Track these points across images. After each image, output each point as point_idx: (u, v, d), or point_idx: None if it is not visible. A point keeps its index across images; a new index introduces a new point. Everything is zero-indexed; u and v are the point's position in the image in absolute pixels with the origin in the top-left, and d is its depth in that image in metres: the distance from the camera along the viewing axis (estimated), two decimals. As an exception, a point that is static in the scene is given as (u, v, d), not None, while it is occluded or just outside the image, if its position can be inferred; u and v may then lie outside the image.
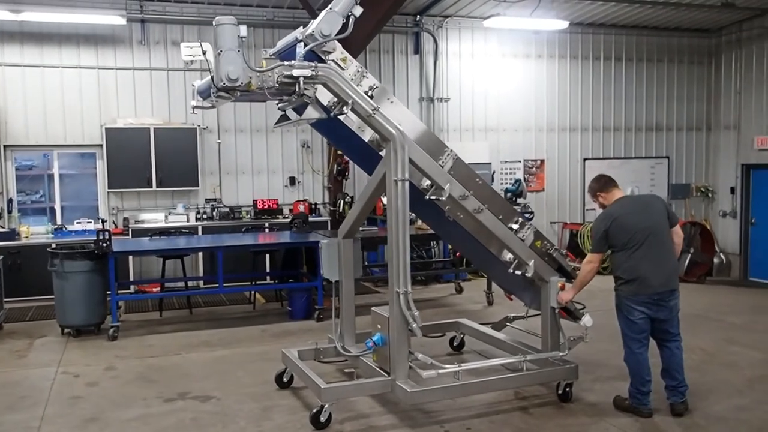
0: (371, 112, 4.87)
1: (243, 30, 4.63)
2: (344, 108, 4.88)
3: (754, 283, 12.77)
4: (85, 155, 10.83)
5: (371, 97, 5.07)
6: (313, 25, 4.89)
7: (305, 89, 4.78)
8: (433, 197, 5.24)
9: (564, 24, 11.52)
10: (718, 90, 13.93)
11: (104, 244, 7.58)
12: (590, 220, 13.09)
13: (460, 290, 10.36)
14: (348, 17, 4.90)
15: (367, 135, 5.31)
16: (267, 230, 10.62)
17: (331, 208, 11.44)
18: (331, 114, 5.00)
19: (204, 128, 10.99)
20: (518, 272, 5.65)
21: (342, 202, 11.03)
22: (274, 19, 11.13)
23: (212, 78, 4.70)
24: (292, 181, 11.60)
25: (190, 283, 10.14)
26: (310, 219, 10.76)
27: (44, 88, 10.32)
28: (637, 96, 13.56)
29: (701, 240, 12.56)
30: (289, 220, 10.35)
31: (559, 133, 13.07)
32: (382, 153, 5.25)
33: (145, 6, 10.51)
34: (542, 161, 13.01)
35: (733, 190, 13.59)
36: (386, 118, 4.93)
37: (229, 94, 4.77)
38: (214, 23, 4.63)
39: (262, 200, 11.21)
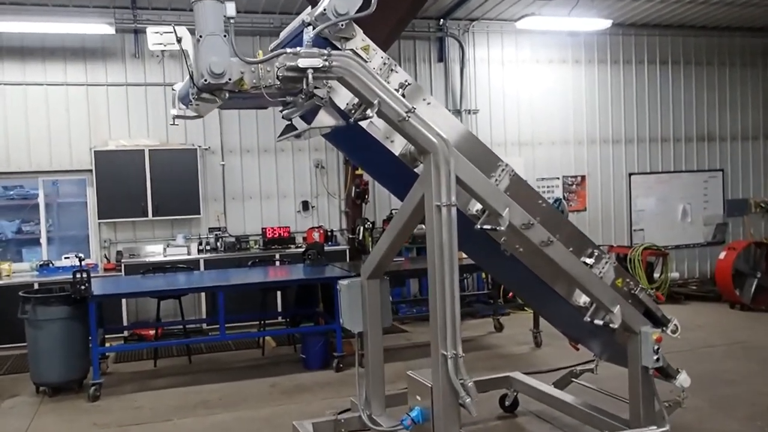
0: (405, 115, 3.62)
1: (231, 8, 3.42)
2: (368, 111, 3.63)
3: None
4: (78, 180, 9.68)
5: (403, 96, 3.84)
6: (325, 2, 3.68)
7: (315, 87, 3.56)
8: (486, 227, 3.97)
9: (607, 23, 10.26)
10: (775, 94, 12.60)
11: (82, 287, 6.38)
12: (638, 241, 11.74)
13: (500, 327, 9.02)
14: (372, -9, 3.68)
15: (398, 147, 4.08)
16: (277, 263, 9.38)
17: (350, 236, 10.20)
18: (351, 120, 3.77)
19: (206, 149, 9.83)
20: (598, 321, 4.34)
21: (362, 228, 9.78)
22: (282, 26, 9.95)
23: (191, 75, 3.50)
24: (306, 205, 10.39)
25: (192, 326, 8.92)
26: (327, 248, 9.55)
27: (27, 108, 9.22)
28: (686, 103, 12.24)
29: (766, 262, 11.14)
30: (302, 250, 9.10)
31: (601, 145, 11.76)
32: (418, 170, 4.01)
33: (139, 15, 9.41)
34: (583, 177, 11.69)
35: (797, 205, 12.19)
36: (425, 122, 3.68)
37: (213, 96, 3.55)
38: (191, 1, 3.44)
39: (271, 228, 10.00)
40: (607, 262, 4.50)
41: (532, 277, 4.44)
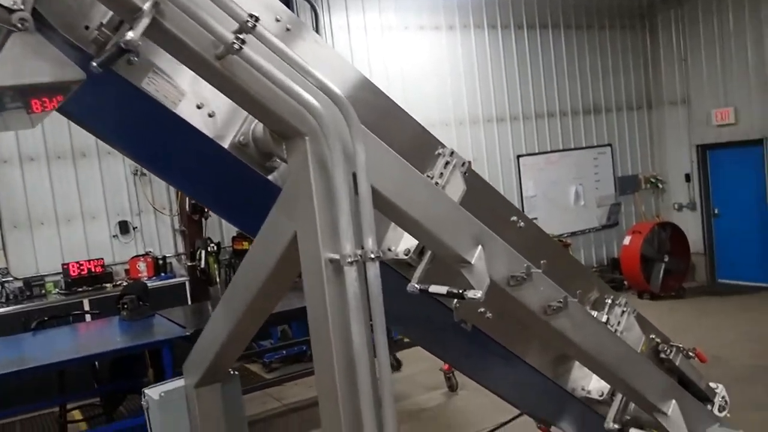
0: (231, 40, 1.39)
1: None
2: (129, 33, 1.35)
3: (727, 287, 10.43)
4: None
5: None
6: None
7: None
8: (436, 291, 1.85)
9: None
10: (656, 58, 11.56)
11: None
12: (532, 232, 10.20)
13: (397, 365, 6.99)
14: None
15: (225, 128, 1.84)
16: (88, 317, 6.72)
17: (189, 263, 7.71)
18: (94, 65, 1.46)
19: (-36, 160, 6.95)
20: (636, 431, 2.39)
21: (203, 252, 7.36)
22: None
23: None
24: (125, 227, 7.75)
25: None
26: (161, 283, 7.15)
27: None
28: (569, 72, 10.84)
29: (671, 243, 10.05)
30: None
31: (484, 125, 10.07)
32: (275, 178, 1.83)
33: None
34: (468, 163, 9.92)
35: (688, 178, 11.24)
36: (287, 59, 1.48)
37: None
38: None
39: (77, 264, 7.28)
40: (624, 312, 2.56)
41: (491, 347, 2.41)
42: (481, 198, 2.23)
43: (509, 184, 10.29)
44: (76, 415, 6.44)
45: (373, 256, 1.52)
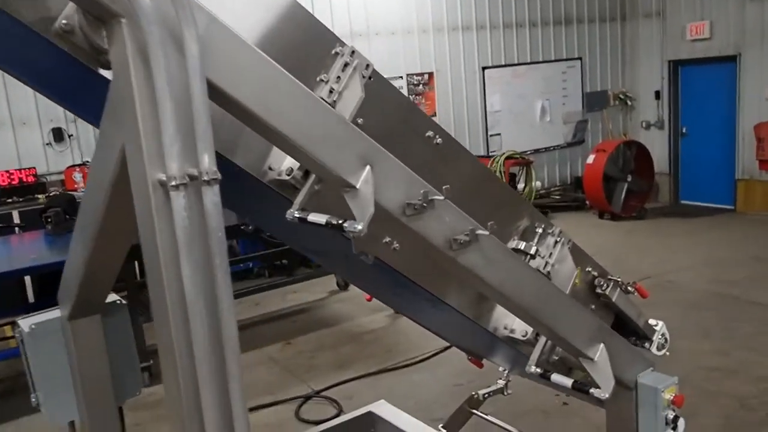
0: None
1: None
2: None
3: (690, 209, 10.35)
4: None
5: None
6: None
7: None
8: (316, 221, 1.53)
9: None
10: (633, -33, 11.00)
11: None
12: (495, 148, 9.96)
13: (344, 286, 6.77)
14: None
15: (51, 12, 1.43)
16: (17, 230, 6.32)
17: (128, 174, 7.28)
18: None
19: None
20: (559, 379, 2.16)
21: (142, 163, 6.92)
22: None
23: None
24: (59, 135, 7.26)
25: None
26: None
27: None
28: (541, -22, 10.28)
29: (635, 163, 9.83)
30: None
31: (449, 34, 9.53)
32: (111, 74, 1.44)
33: None
34: (431, 75, 9.47)
35: (658, 95, 10.92)
36: None
37: None
38: None
39: (7, 173, 6.84)
40: (557, 242, 2.28)
41: (407, 284, 2.13)
42: (390, 109, 1.87)
43: (473, 98, 9.89)
44: (8, 330, 6.18)
45: (208, 178, 1.18)
